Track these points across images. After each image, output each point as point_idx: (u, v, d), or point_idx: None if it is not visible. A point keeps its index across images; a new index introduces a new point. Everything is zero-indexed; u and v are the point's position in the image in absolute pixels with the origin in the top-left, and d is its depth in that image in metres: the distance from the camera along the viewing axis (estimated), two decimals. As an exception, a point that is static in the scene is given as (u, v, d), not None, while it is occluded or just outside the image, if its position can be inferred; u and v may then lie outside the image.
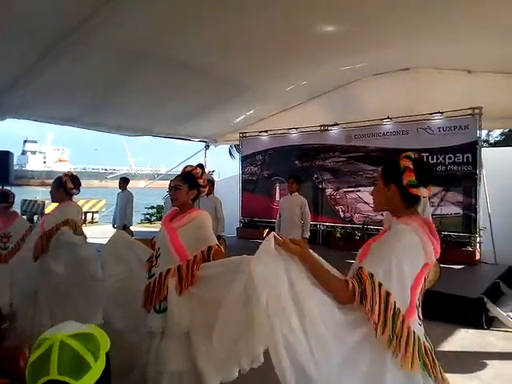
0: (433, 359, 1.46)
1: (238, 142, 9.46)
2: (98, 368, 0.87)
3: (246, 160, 8.99)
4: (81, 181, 3.45)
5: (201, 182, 2.36)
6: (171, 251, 2.19)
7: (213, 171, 17.16)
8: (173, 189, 2.35)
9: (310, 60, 6.27)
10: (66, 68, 5.28)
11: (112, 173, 68.87)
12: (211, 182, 6.31)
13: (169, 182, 3.08)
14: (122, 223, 7.01)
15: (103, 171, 75.33)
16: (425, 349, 1.45)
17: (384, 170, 1.61)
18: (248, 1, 4.36)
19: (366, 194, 7.22)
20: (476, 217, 6.17)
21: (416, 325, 1.46)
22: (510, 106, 5.60)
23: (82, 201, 14.42)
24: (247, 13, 4.59)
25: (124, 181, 7.22)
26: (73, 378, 0.83)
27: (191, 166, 2.45)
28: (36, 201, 13.69)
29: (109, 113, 7.35)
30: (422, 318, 1.51)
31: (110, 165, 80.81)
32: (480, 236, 6.24)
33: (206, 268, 2.12)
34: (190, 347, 2.09)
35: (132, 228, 7.17)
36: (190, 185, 2.33)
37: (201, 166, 7.77)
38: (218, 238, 5.59)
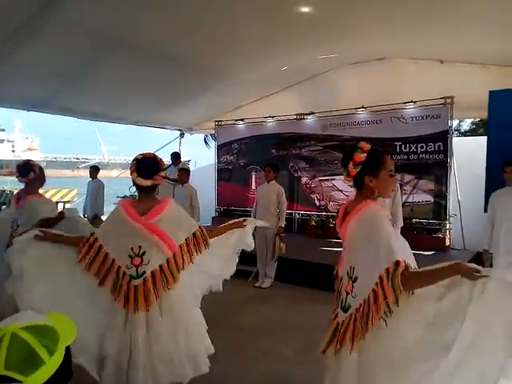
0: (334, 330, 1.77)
1: (213, 131, 9.34)
2: (52, 363, 0.81)
3: (221, 149, 8.89)
4: (49, 170, 3.36)
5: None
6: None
7: (189, 161, 16.85)
8: None
9: (287, 48, 6.21)
10: (34, 50, 5.04)
11: (84, 162, 67.10)
12: (186, 171, 6.23)
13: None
14: (93, 212, 6.86)
15: (75, 160, 73.35)
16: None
17: None
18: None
19: (340, 182, 7.28)
20: (446, 204, 6.33)
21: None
22: (480, 96, 5.70)
23: (53, 190, 13.99)
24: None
25: (94, 169, 7.05)
26: (21, 374, 0.76)
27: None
28: (4, 191, 13.19)
29: (81, 98, 7.07)
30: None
31: (82, 154, 78.83)
32: (450, 223, 6.42)
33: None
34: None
35: (104, 218, 7.02)
36: None
37: (176, 154, 7.68)
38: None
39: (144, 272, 2.17)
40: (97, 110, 7.88)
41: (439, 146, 6.32)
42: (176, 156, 7.30)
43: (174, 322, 2.20)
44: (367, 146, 1.79)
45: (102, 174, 7.34)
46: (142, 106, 7.88)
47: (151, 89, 7.00)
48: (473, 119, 14.58)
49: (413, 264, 1.65)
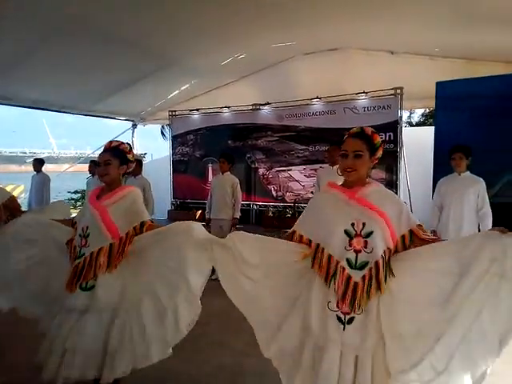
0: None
1: (168, 122, 9.07)
2: None
3: (176, 140, 8.67)
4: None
5: (130, 157, 2.34)
6: (102, 230, 2.17)
7: (145, 154, 16.35)
8: (101, 164, 2.25)
9: (242, 35, 6.12)
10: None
11: (32, 156, 63.45)
12: (139, 162, 5.98)
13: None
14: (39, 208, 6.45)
15: (22, 155, 69.16)
16: None
17: (368, 144, 1.80)
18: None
19: (297, 172, 7.33)
20: (397, 192, 6.53)
21: None
22: (429, 87, 5.90)
23: (-4, 187, 13.11)
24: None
25: (38, 162, 6.63)
26: None
27: (116, 140, 2.38)
28: None
29: (21, 86, 6.60)
30: None
31: (29, 147, 74.44)
32: (401, 210, 6.63)
33: (140, 240, 2.19)
34: (111, 325, 2.10)
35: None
36: (121, 160, 2.29)
37: (128, 144, 7.35)
38: (146, 220, 5.39)
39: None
40: (39, 98, 7.39)
41: (390, 135, 6.50)
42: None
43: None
44: None
45: (52, 168, 6.96)
46: (90, 93, 7.48)
47: (98, 75, 6.64)
48: (423, 110, 15.23)
49: None
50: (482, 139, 4.95)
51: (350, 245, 1.72)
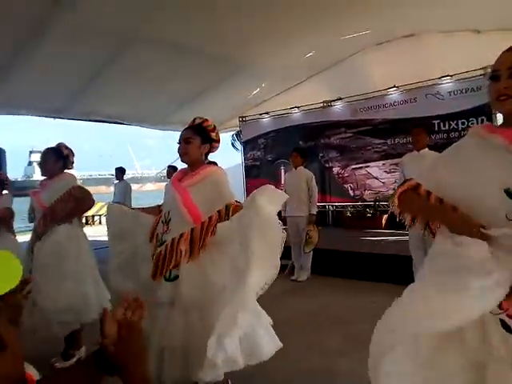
0: None
1: (238, 129, 9.12)
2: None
3: (247, 145, 8.64)
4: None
5: (213, 135, 2.14)
6: (184, 214, 1.98)
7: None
8: (182, 142, 2.07)
9: (310, 29, 5.91)
10: (48, 52, 5.04)
11: (119, 178, 69.01)
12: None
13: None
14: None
15: (110, 176, 75.52)
16: None
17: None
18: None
19: (375, 169, 6.86)
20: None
21: None
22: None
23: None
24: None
25: (120, 171, 7.02)
26: None
27: (200, 117, 2.16)
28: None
29: (98, 101, 6.98)
30: None
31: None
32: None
33: (220, 229, 1.95)
34: (200, 322, 1.87)
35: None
36: (203, 138, 2.10)
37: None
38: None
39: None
40: (116, 112, 7.72)
41: (483, 120, 5.79)
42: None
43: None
44: None
45: (135, 188, 7.31)
46: (160, 106, 7.69)
47: (168, 87, 6.76)
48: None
49: None
50: None
51: None
